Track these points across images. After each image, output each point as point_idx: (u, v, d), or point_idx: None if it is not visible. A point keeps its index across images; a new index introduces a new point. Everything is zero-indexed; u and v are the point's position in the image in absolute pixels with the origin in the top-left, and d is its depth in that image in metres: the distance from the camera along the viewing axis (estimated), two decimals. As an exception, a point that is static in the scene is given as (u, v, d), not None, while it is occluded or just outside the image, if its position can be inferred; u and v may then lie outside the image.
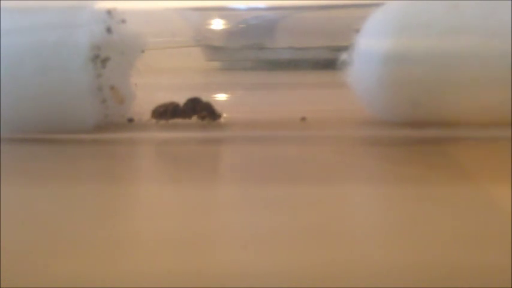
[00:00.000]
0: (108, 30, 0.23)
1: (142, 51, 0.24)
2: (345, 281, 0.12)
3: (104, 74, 0.23)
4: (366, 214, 0.16)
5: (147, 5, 0.25)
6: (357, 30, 0.24)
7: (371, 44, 0.23)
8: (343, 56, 0.24)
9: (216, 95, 0.26)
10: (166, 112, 0.24)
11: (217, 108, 0.25)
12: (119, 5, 0.24)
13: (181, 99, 0.25)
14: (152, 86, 0.25)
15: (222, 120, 0.25)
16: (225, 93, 0.26)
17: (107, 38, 0.23)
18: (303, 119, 0.25)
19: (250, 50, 0.28)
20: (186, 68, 0.28)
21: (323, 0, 0.27)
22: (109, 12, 0.24)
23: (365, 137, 0.24)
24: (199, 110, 0.25)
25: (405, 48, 0.22)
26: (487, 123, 0.22)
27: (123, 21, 0.24)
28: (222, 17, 0.27)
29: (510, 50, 0.21)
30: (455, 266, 0.13)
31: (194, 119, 0.25)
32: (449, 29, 0.22)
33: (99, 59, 0.23)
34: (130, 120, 0.25)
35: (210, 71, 0.29)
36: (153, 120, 0.25)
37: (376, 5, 0.23)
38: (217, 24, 0.27)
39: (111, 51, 0.23)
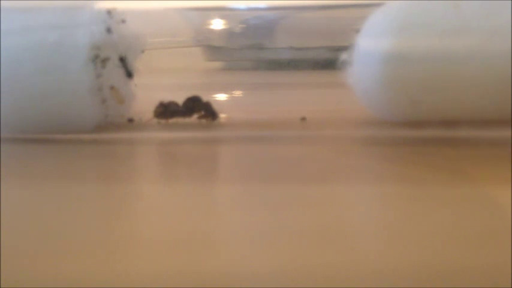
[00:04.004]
0: (108, 30, 0.23)
1: (142, 51, 0.24)
2: (345, 281, 0.12)
3: (104, 74, 0.23)
4: (366, 214, 0.16)
5: (147, 5, 0.25)
6: (357, 30, 0.24)
7: (371, 44, 0.23)
8: (343, 56, 0.24)
9: (216, 95, 0.26)
10: (166, 111, 0.25)
11: (217, 108, 0.25)
12: (119, 5, 0.24)
13: (181, 99, 0.25)
14: (152, 86, 0.25)
15: (221, 120, 0.25)
16: (225, 93, 0.26)
17: (107, 38, 0.23)
18: (303, 119, 0.25)
19: (250, 50, 0.28)
20: (186, 68, 0.28)
21: (323, 0, 0.27)
22: (109, 12, 0.24)
23: (365, 137, 0.24)
24: (198, 109, 0.25)
25: (405, 48, 0.22)
26: (487, 123, 0.22)
27: (123, 21, 0.24)
28: (222, 17, 0.27)
29: (510, 50, 0.21)
30: (455, 266, 0.13)
31: (194, 118, 0.25)
32: (450, 29, 0.22)
33: (99, 59, 0.23)
34: (130, 120, 0.25)
35: (210, 71, 0.29)
36: (153, 120, 0.25)
37: (376, 5, 0.23)
38: (217, 24, 0.27)
39: (111, 51, 0.23)
